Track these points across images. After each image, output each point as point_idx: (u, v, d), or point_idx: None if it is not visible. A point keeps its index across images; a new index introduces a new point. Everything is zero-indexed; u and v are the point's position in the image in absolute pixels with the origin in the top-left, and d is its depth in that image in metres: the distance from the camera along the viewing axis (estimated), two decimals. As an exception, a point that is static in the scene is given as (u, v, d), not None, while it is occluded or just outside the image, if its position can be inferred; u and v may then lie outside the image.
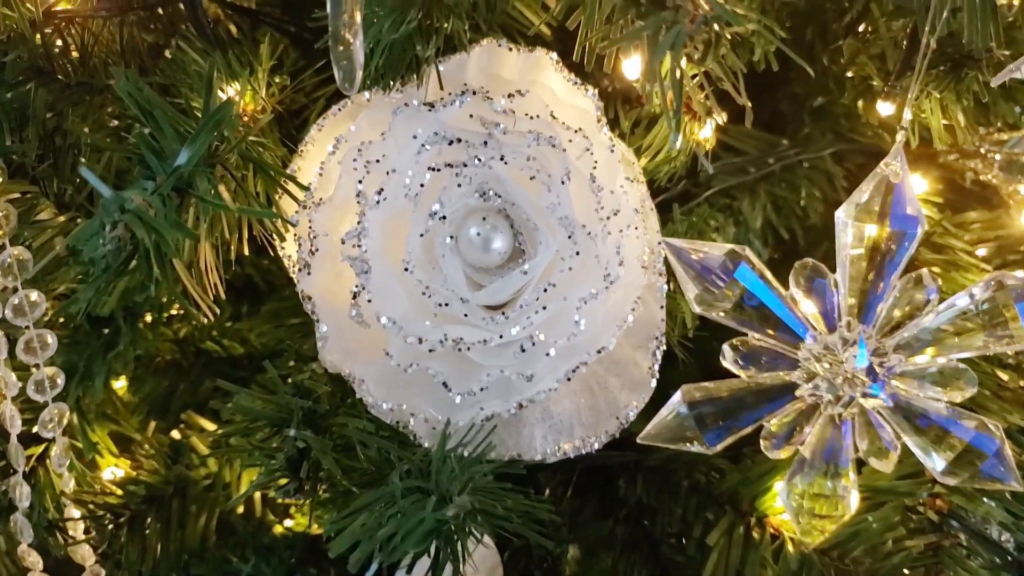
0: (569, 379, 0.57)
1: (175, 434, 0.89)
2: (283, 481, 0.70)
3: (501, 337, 0.57)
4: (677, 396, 0.69)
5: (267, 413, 0.72)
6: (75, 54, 0.74)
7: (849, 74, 0.82)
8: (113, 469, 0.86)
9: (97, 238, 0.47)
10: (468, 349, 0.57)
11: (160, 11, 0.78)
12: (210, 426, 0.89)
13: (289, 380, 0.76)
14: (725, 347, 0.69)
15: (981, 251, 0.92)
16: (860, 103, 0.83)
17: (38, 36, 0.72)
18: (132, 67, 0.76)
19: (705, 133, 0.72)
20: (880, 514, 0.74)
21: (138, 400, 0.90)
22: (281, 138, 0.71)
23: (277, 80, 0.73)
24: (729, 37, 0.45)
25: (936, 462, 0.67)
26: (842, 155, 0.95)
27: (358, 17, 0.50)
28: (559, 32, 0.64)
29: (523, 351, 0.57)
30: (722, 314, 0.67)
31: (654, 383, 0.66)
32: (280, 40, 0.77)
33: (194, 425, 0.89)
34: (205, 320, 0.60)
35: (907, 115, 0.61)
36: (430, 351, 0.57)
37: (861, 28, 0.83)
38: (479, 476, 0.55)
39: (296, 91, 0.75)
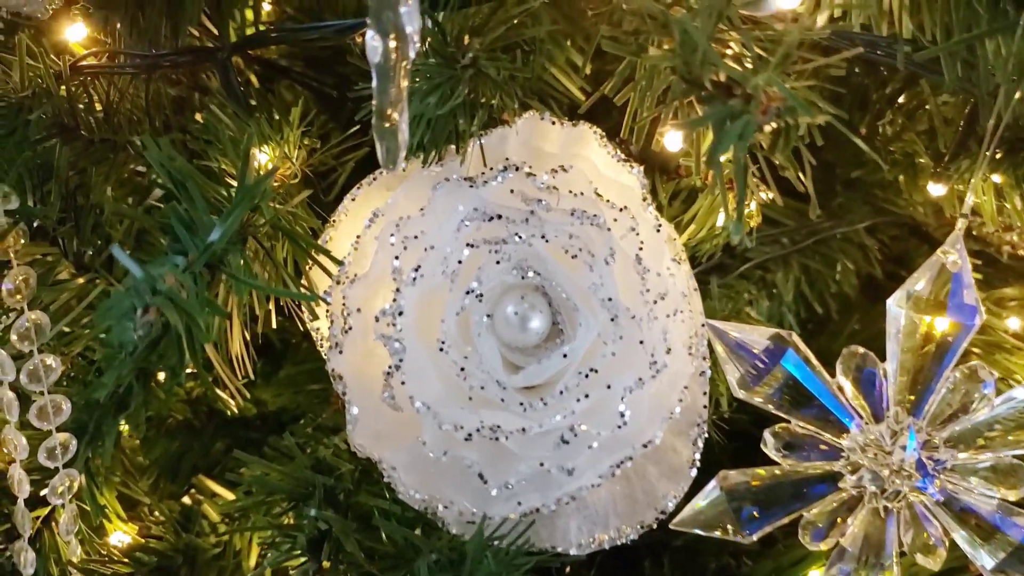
0: (613, 474, 0.54)
1: (186, 500, 0.85)
2: (301, 561, 0.67)
3: (540, 426, 0.54)
4: (714, 483, 0.67)
5: (286, 488, 0.69)
6: (99, 110, 0.72)
7: (891, 149, 0.80)
8: (121, 535, 0.83)
9: (126, 321, 0.45)
10: (506, 438, 0.54)
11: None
12: (222, 491, 0.86)
13: (308, 451, 0.73)
14: (767, 434, 0.66)
15: (1013, 323, 0.90)
16: (902, 178, 0.81)
17: (63, 90, 0.71)
18: (157, 123, 0.74)
19: (749, 209, 0.70)
20: (925, 611, 0.70)
21: (148, 462, 0.86)
22: (309, 203, 0.69)
23: (306, 143, 0.71)
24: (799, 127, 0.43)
25: (986, 560, 0.64)
26: (875, 227, 0.94)
27: (404, 94, 0.48)
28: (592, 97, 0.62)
29: (564, 442, 0.54)
30: (764, 401, 0.65)
31: (694, 472, 0.63)
32: (308, 99, 0.76)
33: (205, 490, 0.86)
34: (235, 404, 0.57)
35: (969, 200, 0.59)
36: (466, 439, 0.54)
37: (902, 99, 0.82)
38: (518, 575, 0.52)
39: (324, 154, 0.74)
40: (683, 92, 0.46)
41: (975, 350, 0.83)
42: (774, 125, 0.44)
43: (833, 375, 0.65)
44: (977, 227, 0.92)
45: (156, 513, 0.82)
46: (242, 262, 0.52)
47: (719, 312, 0.74)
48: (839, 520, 0.67)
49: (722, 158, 0.50)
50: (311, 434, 0.76)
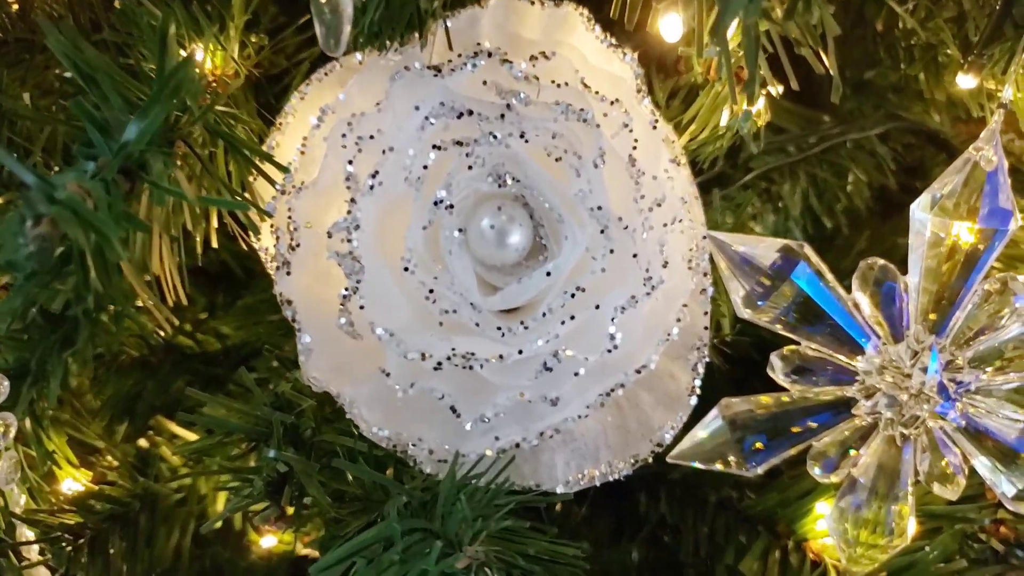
0: (602, 404, 0.48)
1: (142, 442, 0.79)
2: (262, 506, 0.61)
3: (520, 352, 0.47)
4: (715, 412, 0.62)
5: (243, 427, 0.63)
6: (14, 6, 0.63)
7: (912, 43, 0.72)
8: (72, 482, 0.76)
9: (17, 237, 0.37)
10: (480, 366, 0.47)
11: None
12: (182, 432, 0.79)
13: (271, 387, 0.67)
14: (774, 357, 0.60)
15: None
16: (922, 76, 0.72)
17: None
18: (83, 21, 0.65)
19: (757, 107, 0.61)
20: (938, 542, 0.66)
21: (100, 403, 0.80)
22: (258, 108, 0.61)
23: (253, 39, 0.63)
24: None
25: (1007, 487, 0.59)
26: (888, 134, 0.86)
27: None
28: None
29: (547, 369, 0.47)
30: (772, 320, 0.58)
31: (694, 401, 0.56)
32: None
33: (164, 431, 0.79)
34: (165, 330, 0.50)
35: (1007, 93, 0.52)
36: (435, 368, 0.47)
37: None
38: (495, 519, 0.46)
39: (275, 52, 0.65)
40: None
41: (996, 264, 0.77)
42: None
43: (848, 291, 0.58)
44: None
45: (110, 457, 0.75)
46: (165, 168, 0.44)
47: (723, 225, 0.67)
48: (851, 449, 0.61)
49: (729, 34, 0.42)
50: (274, 368, 0.70)
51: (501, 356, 0.47)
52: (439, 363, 0.47)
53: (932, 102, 0.85)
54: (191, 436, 0.80)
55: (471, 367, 0.47)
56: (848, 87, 0.89)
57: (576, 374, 0.47)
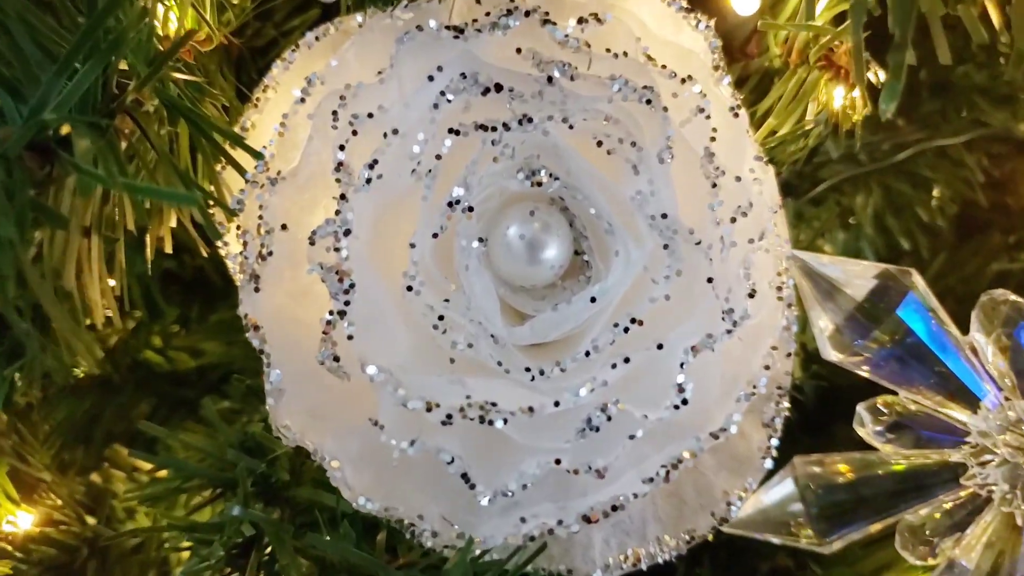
0: (667, 478, 0.36)
1: (95, 477, 0.67)
2: (224, 571, 0.50)
3: (556, 404, 0.36)
4: (784, 472, 0.51)
5: (206, 472, 0.52)
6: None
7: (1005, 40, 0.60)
8: (12, 520, 0.65)
9: None
10: (504, 421, 0.35)
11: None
12: (145, 465, 0.68)
13: (243, 419, 0.56)
14: (862, 410, 0.49)
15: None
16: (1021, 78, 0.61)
17: None
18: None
19: (839, 98, 0.50)
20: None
21: (50, 428, 0.68)
22: (238, 87, 0.50)
23: (234, 1, 0.51)
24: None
25: None
26: (972, 142, 0.74)
27: None
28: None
29: (592, 428, 0.35)
30: (866, 364, 0.47)
31: (768, 464, 0.45)
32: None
33: (122, 464, 0.68)
34: (83, 363, 0.39)
35: None
36: (444, 422, 0.35)
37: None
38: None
39: (262, 19, 0.54)
40: None
41: None
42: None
43: (964, 331, 0.47)
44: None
45: (52, 496, 0.64)
46: (95, 144, 0.33)
47: (798, 243, 0.56)
48: (955, 527, 0.50)
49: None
50: (247, 398, 0.59)
51: (531, 408, 0.36)
52: (449, 415, 0.35)
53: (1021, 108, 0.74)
54: (152, 468, 0.69)
55: (491, 422, 0.35)
56: (925, 89, 0.78)
57: (632, 436, 0.35)
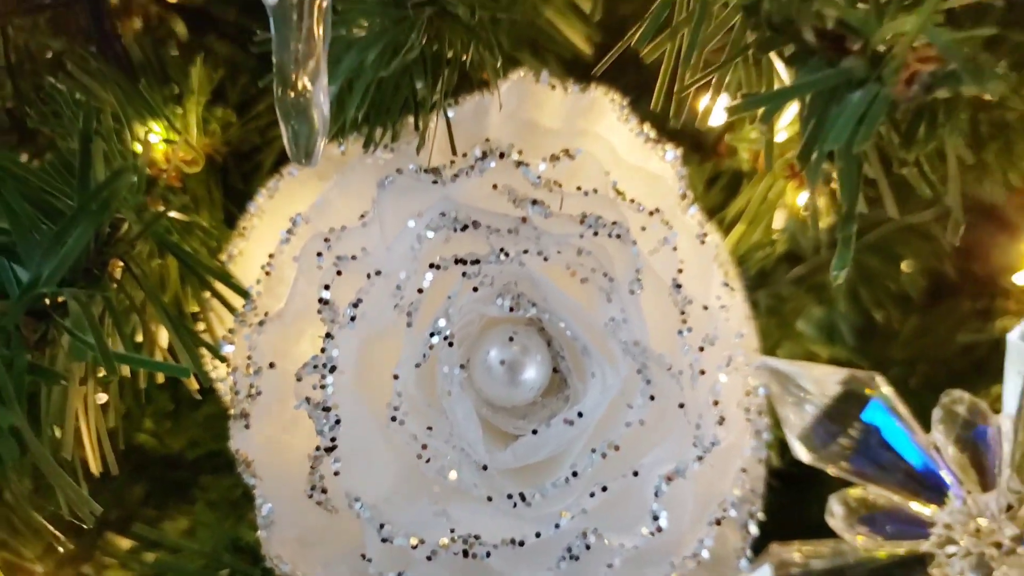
0: (643, 606, 0.37)
1: (87, 570, 0.68)
2: None
3: (538, 535, 0.37)
4: (762, 561, 0.51)
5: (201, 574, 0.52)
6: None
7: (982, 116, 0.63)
8: (3, 614, 0.66)
9: None
10: (488, 555, 0.37)
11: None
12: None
13: (237, 515, 0.57)
14: (833, 501, 0.51)
15: None
16: (993, 157, 0.63)
17: None
18: (22, 86, 0.55)
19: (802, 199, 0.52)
20: None
21: (43, 517, 0.69)
22: (225, 202, 0.51)
23: (219, 114, 0.53)
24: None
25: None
26: (943, 213, 0.77)
27: (321, 49, 0.30)
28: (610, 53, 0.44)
29: (572, 558, 0.37)
30: (835, 464, 0.49)
31: (744, 565, 0.46)
32: (226, 56, 0.57)
33: (116, 553, 0.68)
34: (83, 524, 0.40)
35: None
36: (429, 557, 0.37)
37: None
38: None
39: (246, 128, 0.55)
40: (763, 44, 0.28)
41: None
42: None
43: (927, 429, 0.49)
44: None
45: (46, 589, 0.64)
46: (94, 305, 0.34)
47: (766, 333, 0.58)
48: None
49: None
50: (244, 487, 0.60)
51: (514, 541, 0.37)
52: (433, 551, 0.37)
53: (987, 173, 0.76)
54: (148, 557, 0.69)
55: (475, 555, 0.37)
56: (894, 161, 0.80)
57: (610, 565, 0.37)
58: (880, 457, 0.48)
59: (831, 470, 0.49)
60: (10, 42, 0.55)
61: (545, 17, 0.54)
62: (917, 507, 0.50)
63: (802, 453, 0.48)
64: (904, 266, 0.71)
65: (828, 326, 0.70)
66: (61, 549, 0.69)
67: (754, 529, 0.46)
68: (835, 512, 0.50)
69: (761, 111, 0.40)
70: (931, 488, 0.49)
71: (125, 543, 0.72)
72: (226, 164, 0.56)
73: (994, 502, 0.49)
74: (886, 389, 0.48)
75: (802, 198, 0.50)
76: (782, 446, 0.59)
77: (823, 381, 0.47)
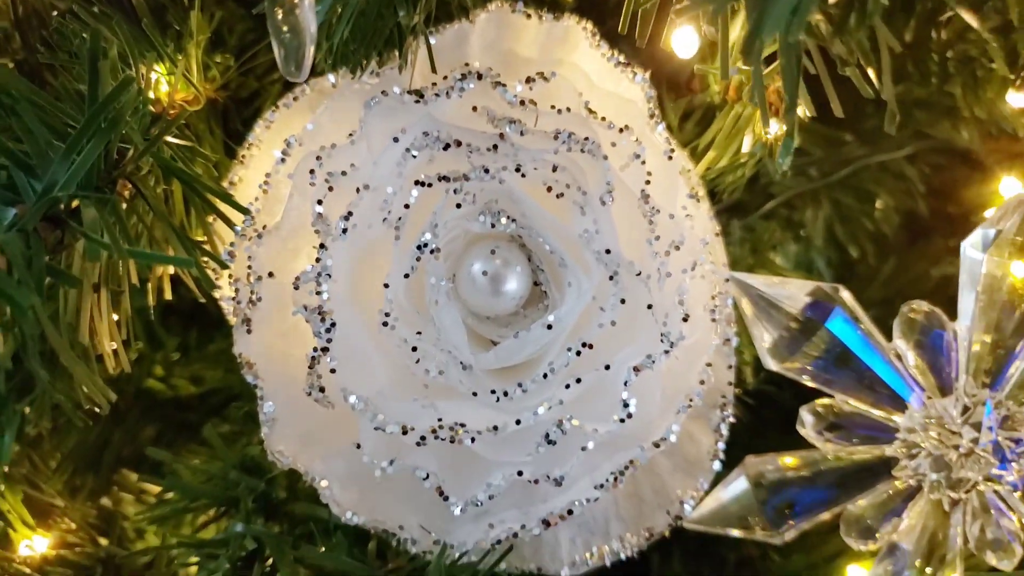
0: (616, 483, 0.41)
1: (105, 501, 0.72)
2: (230, 586, 0.54)
3: (518, 423, 0.41)
4: (738, 471, 0.56)
5: (210, 492, 0.56)
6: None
7: (947, 56, 0.65)
8: (29, 544, 0.70)
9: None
10: (472, 440, 0.40)
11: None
12: (151, 487, 0.72)
13: (241, 443, 0.60)
14: (804, 412, 0.54)
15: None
16: (959, 92, 0.66)
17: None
18: (32, 40, 0.58)
19: (773, 129, 0.55)
20: (990, 612, 0.59)
21: (61, 456, 0.73)
22: (225, 141, 0.54)
23: (218, 59, 0.56)
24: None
25: (1075, 557, 0.52)
26: (915, 154, 0.79)
27: (307, -35, 0.33)
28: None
29: (549, 442, 0.40)
30: (804, 373, 0.52)
31: (717, 466, 0.50)
32: (224, 4, 0.60)
33: (130, 487, 0.72)
34: (97, 409, 0.43)
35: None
36: (418, 443, 0.40)
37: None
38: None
39: (245, 73, 0.58)
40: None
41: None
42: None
43: (889, 338, 0.52)
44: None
45: (66, 520, 0.68)
46: (103, 216, 0.38)
47: (740, 261, 0.61)
48: (892, 515, 0.54)
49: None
50: (245, 422, 0.64)
51: (495, 427, 0.41)
52: (422, 437, 0.40)
53: (961, 118, 0.79)
54: (159, 491, 0.73)
55: (460, 441, 0.40)
56: (868, 103, 0.83)
57: (584, 448, 0.40)
58: (844, 365, 0.51)
59: (798, 377, 0.52)
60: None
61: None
62: (881, 414, 0.53)
63: (771, 362, 0.52)
64: (878, 204, 0.74)
65: (806, 263, 0.73)
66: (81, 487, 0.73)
67: (725, 432, 0.50)
68: (805, 421, 0.54)
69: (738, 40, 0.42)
70: (893, 394, 0.52)
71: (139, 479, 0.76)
72: (227, 108, 0.59)
73: (952, 406, 0.52)
74: (849, 300, 0.51)
75: (772, 126, 0.53)
76: (757, 365, 0.62)
77: (790, 293, 0.50)
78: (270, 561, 0.54)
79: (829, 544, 0.65)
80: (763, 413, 0.60)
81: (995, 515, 0.53)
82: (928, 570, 0.55)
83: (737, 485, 0.56)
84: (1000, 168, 0.78)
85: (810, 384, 0.53)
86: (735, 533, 0.57)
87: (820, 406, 0.53)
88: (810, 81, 0.48)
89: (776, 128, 0.55)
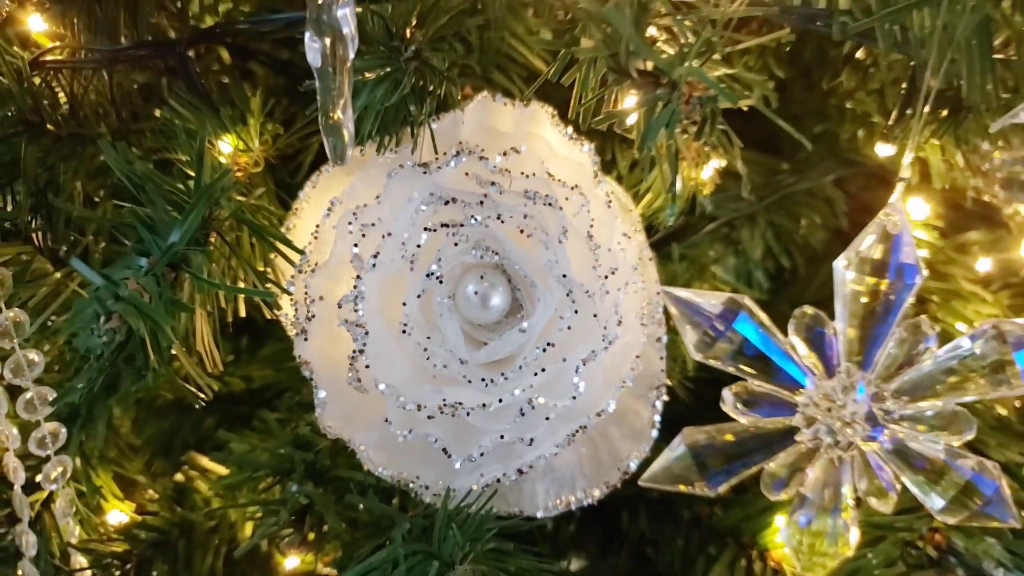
0: (569, 442, 0.57)
1: (179, 476, 0.88)
2: (287, 532, 0.70)
3: (500, 401, 0.57)
4: (679, 439, 0.70)
5: (269, 464, 0.72)
6: (64, 104, 0.73)
7: (848, 105, 0.81)
8: (118, 512, 0.86)
9: (91, 328, 0.47)
10: (468, 414, 0.57)
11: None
12: (213, 467, 0.89)
13: (291, 428, 0.76)
14: (725, 392, 0.69)
15: (983, 264, 0.92)
16: (860, 133, 0.82)
17: (26, 86, 0.71)
18: (124, 114, 0.75)
19: (705, 174, 0.71)
20: (879, 550, 0.74)
21: (142, 442, 0.89)
22: (276, 189, 0.71)
23: (269, 128, 0.73)
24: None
25: (934, 501, 0.67)
26: (844, 178, 0.95)
27: (347, 91, 0.49)
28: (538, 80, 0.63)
29: (522, 415, 0.57)
30: (722, 362, 0.67)
31: (655, 433, 0.66)
32: (271, 82, 0.77)
33: (197, 466, 0.89)
34: (204, 398, 0.59)
35: (906, 164, 0.61)
36: (429, 417, 0.57)
37: (860, 55, 0.82)
38: (482, 542, 0.55)
39: (289, 136, 0.75)
40: (615, 80, 0.47)
41: (934, 298, 0.86)
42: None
43: (785, 334, 0.67)
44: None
45: (151, 491, 0.85)
46: (203, 262, 0.54)
47: (682, 275, 0.76)
48: (798, 471, 0.69)
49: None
50: (292, 410, 0.79)
51: (485, 404, 0.57)
52: (432, 413, 0.56)
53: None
54: (221, 470, 0.89)
55: (459, 415, 0.57)
56: (808, 138, 0.98)
57: (547, 418, 0.57)
58: (752, 356, 0.67)
59: (718, 366, 0.67)
60: (114, 80, 0.75)
61: (510, 44, 0.73)
62: (784, 393, 0.68)
63: (695, 354, 0.67)
64: (803, 222, 0.89)
65: (745, 274, 0.88)
66: (158, 466, 0.90)
67: (660, 407, 0.66)
68: (726, 399, 0.69)
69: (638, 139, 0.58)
70: (791, 378, 0.67)
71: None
72: (276, 164, 0.76)
73: (836, 386, 0.67)
74: (753, 306, 0.66)
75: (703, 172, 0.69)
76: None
77: (707, 301, 0.66)
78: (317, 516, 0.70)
79: (760, 500, 0.79)
80: (701, 396, 0.76)
81: (875, 470, 0.69)
82: (828, 516, 0.71)
83: (678, 450, 0.71)
84: (914, 189, 0.93)
85: (728, 371, 0.68)
86: (680, 489, 0.72)
87: (736, 387, 0.68)
88: (760, 117, 0.62)
89: (708, 172, 0.71)
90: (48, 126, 0.72)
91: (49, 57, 0.74)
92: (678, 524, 0.84)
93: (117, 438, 0.89)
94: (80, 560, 0.79)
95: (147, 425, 0.90)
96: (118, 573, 0.81)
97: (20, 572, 0.76)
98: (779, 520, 0.78)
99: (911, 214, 0.92)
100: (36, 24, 0.76)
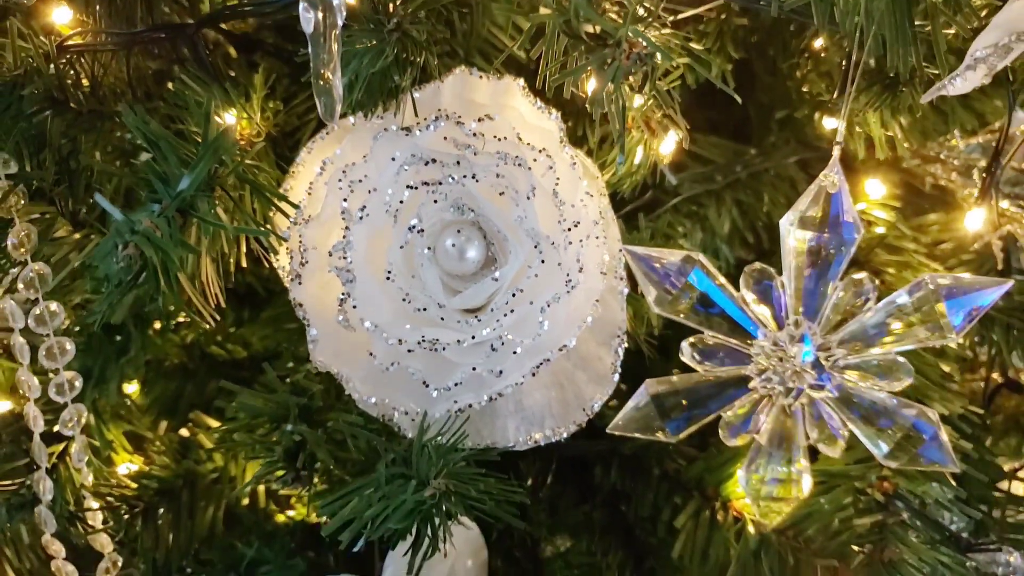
0: (534, 374, 0.64)
1: (184, 432, 0.95)
2: (281, 472, 0.76)
3: (473, 338, 0.64)
4: (642, 389, 0.76)
5: (267, 410, 0.78)
6: (86, 84, 0.80)
7: (804, 88, 0.88)
8: (128, 465, 0.93)
9: (110, 257, 0.54)
10: (444, 349, 0.63)
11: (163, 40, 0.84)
12: (216, 424, 0.95)
13: (287, 380, 0.82)
14: (683, 344, 0.74)
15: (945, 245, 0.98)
16: (817, 115, 0.89)
17: (52, 68, 0.79)
18: (139, 94, 0.82)
19: (666, 148, 0.78)
20: (832, 496, 0.79)
21: (149, 401, 0.96)
22: (276, 160, 0.78)
23: (271, 105, 0.80)
24: (675, 65, 0.51)
25: (879, 447, 0.72)
26: (806, 161, 1.01)
27: (336, 55, 0.56)
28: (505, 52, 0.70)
29: (493, 350, 0.63)
30: (680, 315, 0.74)
31: (616, 377, 0.72)
32: (273, 67, 0.84)
33: (201, 423, 0.95)
34: (207, 325, 0.66)
35: (840, 131, 0.67)
36: (409, 351, 0.63)
37: (818, 45, 0.89)
38: (454, 462, 0.61)
39: (288, 114, 0.82)
40: (570, 45, 0.54)
41: (889, 270, 0.92)
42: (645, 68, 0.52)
43: (738, 289, 0.74)
44: (906, 160, 1.00)
45: (158, 444, 0.91)
46: (208, 207, 0.61)
47: (643, 243, 0.82)
48: (753, 418, 0.75)
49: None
50: (290, 367, 0.86)
51: (459, 341, 0.63)
52: (412, 347, 0.63)
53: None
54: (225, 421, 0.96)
55: (436, 350, 0.63)
56: (772, 123, 1.05)
57: (515, 352, 0.63)
58: (707, 309, 0.73)
59: (676, 318, 0.73)
60: (131, 63, 0.82)
61: (491, 31, 0.80)
62: (737, 343, 0.74)
63: (656, 308, 0.74)
64: (766, 199, 0.96)
65: (711, 248, 0.95)
66: (164, 424, 0.96)
67: (621, 354, 0.72)
68: (684, 351, 0.75)
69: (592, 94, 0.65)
70: (744, 330, 0.74)
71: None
72: (277, 139, 0.83)
73: (785, 337, 0.73)
74: (708, 263, 0.73)
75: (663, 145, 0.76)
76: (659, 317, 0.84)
77: (666, 259, 0.72)
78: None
79: (723, 454, 0.86)
80: (666, 348, 0.82)
81: (824, 417, 0.75)
82: (782, 463, 0.77)
83: (641, 399, 0.77)
84: (874, 172, 1.00)
85: (686, 323, 0.74)
86: (644, 435, 0.78)
87: (693, 339, 0.73)
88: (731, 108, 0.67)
89: (664, 146, 0.77)
90: (71, 103, 0.79)
91: (73, 41, 0.81)
92: (648, 478, 0.90)
93: (127, 398, 0.96)
94: (92, 504, 0.86)
95: (155, 386, 0.97)
96: (127, 517, 0.87)
97: (37, 516, 0.82)
98: (740, 472, 0.83)
99: (869, 195, 0.98)
100: (63, 14, 0.84)
